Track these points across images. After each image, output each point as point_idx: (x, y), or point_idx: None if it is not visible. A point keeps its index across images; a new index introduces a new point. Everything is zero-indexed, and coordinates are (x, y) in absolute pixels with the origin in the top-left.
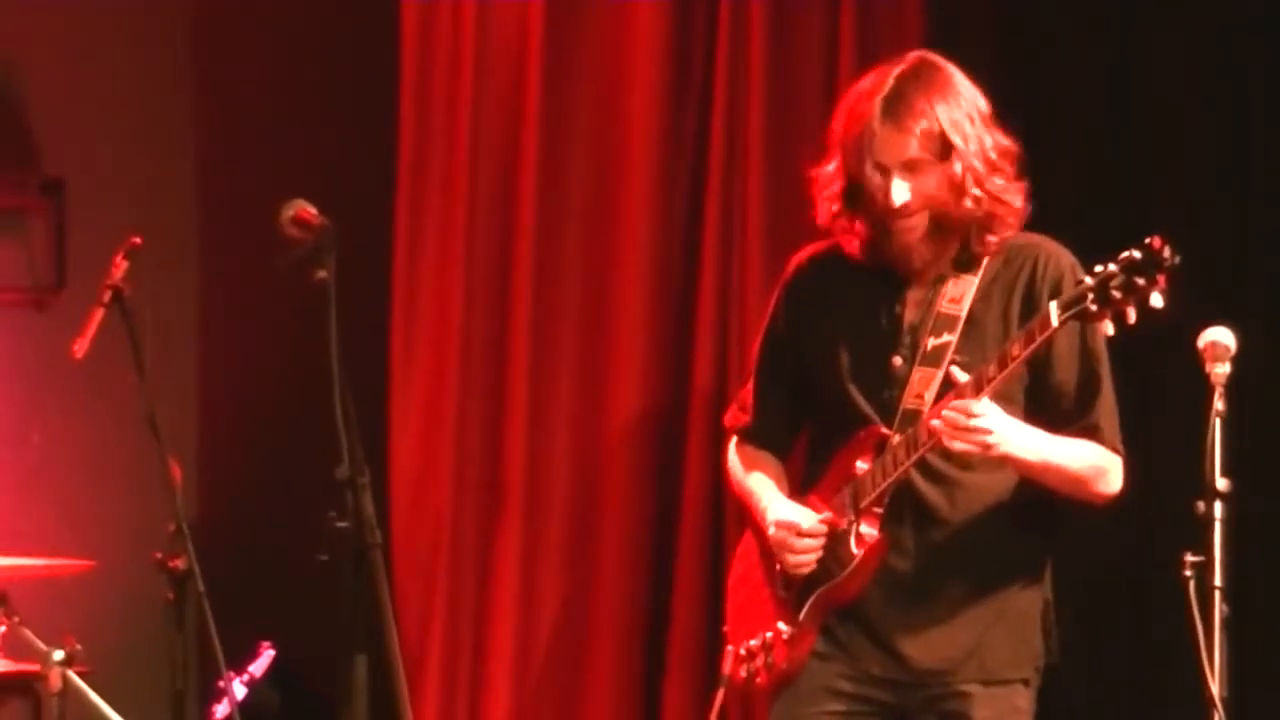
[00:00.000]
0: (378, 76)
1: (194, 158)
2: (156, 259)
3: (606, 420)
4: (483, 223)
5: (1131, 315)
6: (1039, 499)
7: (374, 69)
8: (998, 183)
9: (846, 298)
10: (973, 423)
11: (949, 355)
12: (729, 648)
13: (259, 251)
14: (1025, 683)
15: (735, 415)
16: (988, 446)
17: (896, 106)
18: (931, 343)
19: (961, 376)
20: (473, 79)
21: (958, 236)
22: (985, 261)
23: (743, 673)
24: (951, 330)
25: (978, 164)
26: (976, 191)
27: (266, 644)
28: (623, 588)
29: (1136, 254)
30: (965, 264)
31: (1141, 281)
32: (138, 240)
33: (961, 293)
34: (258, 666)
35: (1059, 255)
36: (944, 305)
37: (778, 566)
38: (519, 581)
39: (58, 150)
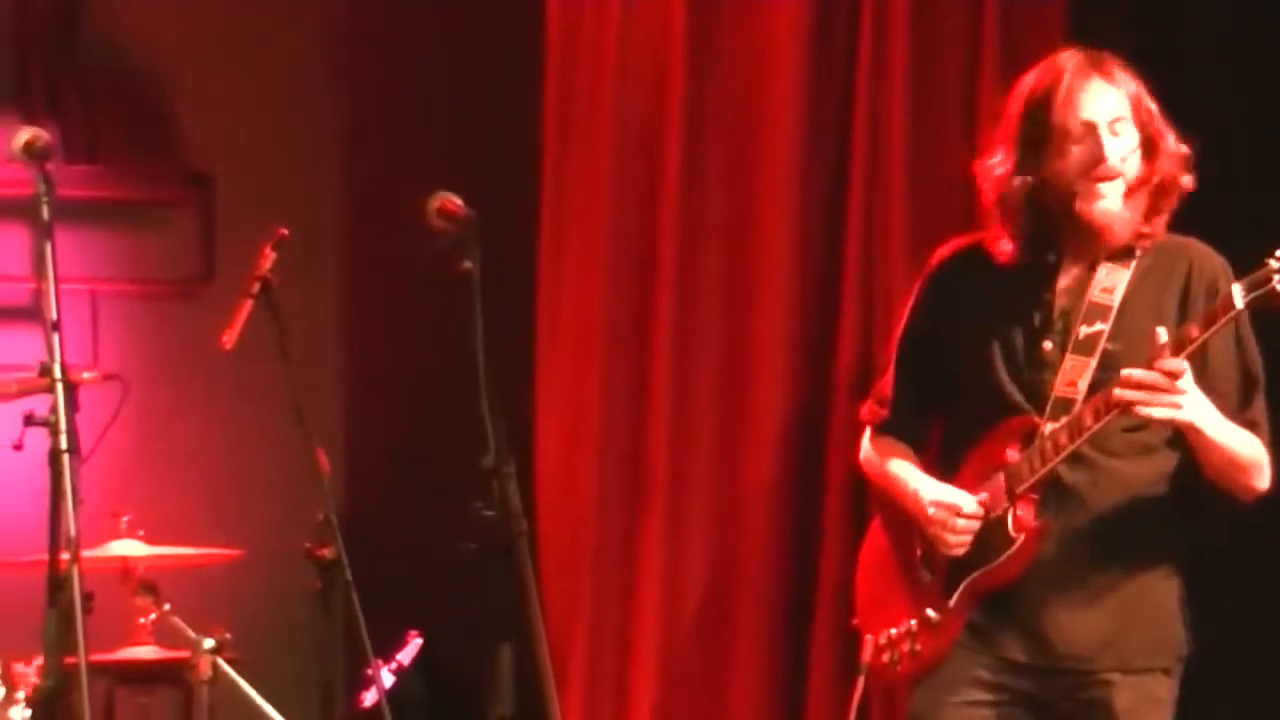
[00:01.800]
0: (522, 70)
1: (338, 150)
2: (302, 251)
3: (749, 410)
4: (625, 214)
5: None
6: (1179, 490)
7: (518, 63)
8: (1179, 153)
9: (995, 288)
10: (1177, 383)
11: (1102, 343)
12: (867, 637)
13: (404, 242)
14: (1166, 671)
15: (873, 410)
16: (1175, 410)
17: (1102, 65)
18: (1084, 330)
19: (1163, 335)
20: (615, 71)
21: (1143, 206)
22: (1138, 254)
23: (885, 660)
24: (1104, 319)
25: (1166, 134)
26: (1164, 163)
27: (414, 632)
28: (765, 577)
29: None
30: (1118, 255)
31: None
32: (285, 232)
33: (1114, 283)
34: (405, 655)
35: (1212, 256)
36: (1096, 294)
37: (918, 552)
38: (662, 570)
39: (205, 145)
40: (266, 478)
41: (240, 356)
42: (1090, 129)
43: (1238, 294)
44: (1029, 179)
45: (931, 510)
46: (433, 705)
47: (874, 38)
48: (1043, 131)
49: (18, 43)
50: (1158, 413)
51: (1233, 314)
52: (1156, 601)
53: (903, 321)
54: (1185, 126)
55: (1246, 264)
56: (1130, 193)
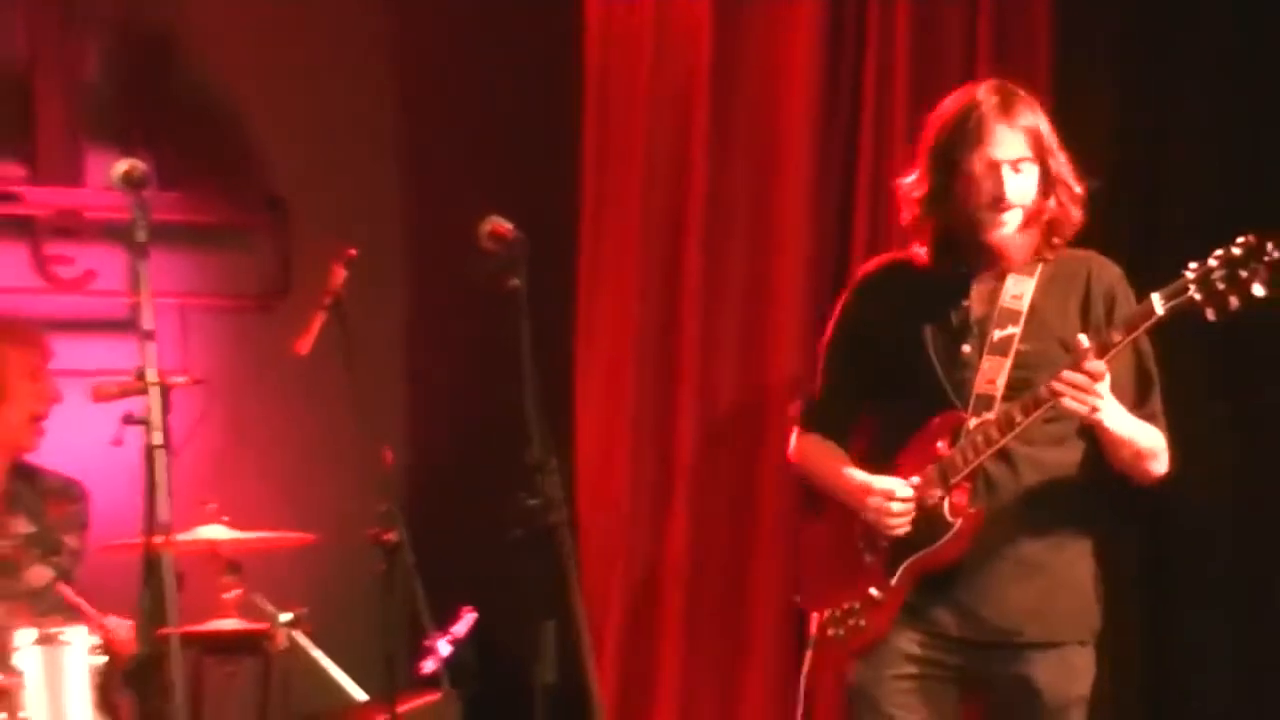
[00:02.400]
0: (564, 101)
1: (400, 177)
2: (369, 268)
3: (767, 405)
4: (655, 231)
5: (1234, 303)
6: (1092, 475)
7: (561, 94)
8: (1074, 190)
9: (917, 296)
10: (1096, 385)
11: (1015, 345)
12: (813, 614)
13: (459, 260)
14: (1082, 643)
15: (802, 410)
16: (1094, 409)
17: (1010, 109)
18: (998, 334)
19: (1085, 341)
20: (647, 101)
21: (1038, 234)
22: (1040, 265)
23: (830, 634)
24: (1015, 323)
25: (1063, 171)
26: (1062, 195)
27: (468, 609)
28: (781, 559)
29: (1236, 250)
30: (1024, 265)
31: (1244, 273)
32: (353, 251)
33: (1022, 290)
34: (460, 628)
35: (1108, 265)
36: (1007, 300)
37: (860, 542)
38: (688, 553)
39: (282, 173)
40: (337, 470)
41: (313, 363)
42: (994, 168)
43: (1158, 302)
44: (939, 205)
45: (870, 499)
46: (484, 674)
47: (880, 43)
48: (952, 166)
49: (118, 83)
50: (1082, 410)
51: (1153, 320)
52: (1076, 578)
53: (830, 329)
54: (1174, 119)
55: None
56: (1027, 221)
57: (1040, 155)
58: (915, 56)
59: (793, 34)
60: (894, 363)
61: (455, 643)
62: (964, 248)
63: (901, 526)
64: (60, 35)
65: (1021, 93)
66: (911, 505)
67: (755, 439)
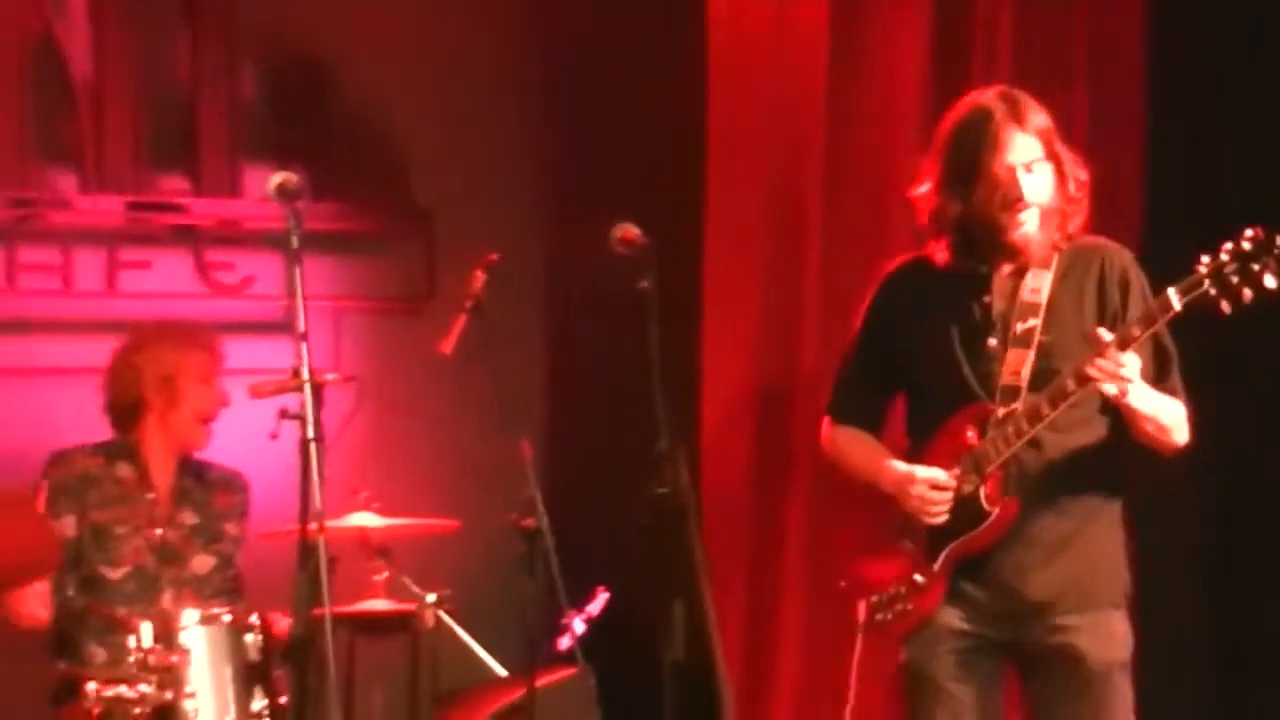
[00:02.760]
0: (686, 112)
1: (537, 188)
2: (508, 272)
3: None
4: (776, 238)
5: (1248, 295)
6: (1113, 455)
7: (683, 106)
8: (1081, 178)
9: (940, 294)
10: (1122, 371)
11: (1036, 336)
12: (860, 602)
13: (592, 264)
14: (1116, 606)
15: (834, 403)
16: (1125, 392)
17: (1020, 113)
18: (1020, 327)
19: (1106, 335)
20: (767, 105)
21: (1053, 227)
22: (1056, 257)
23: (878, 619)
24: (1036, 315)
25: (1070, 165)
26: (1071, 188)
27: (601, 589)
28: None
29: (1245, 244)
30: (1040, 260)
31: (1256, 266)
32: (494, 257)
33: (1040, 284)
34: (594, 607)
35: (1121, 252)
36: (1026, 294)
37: (900, 532)
38: (806, 535)
39: (427, 184)
40: (479, 461)
41: (457, 361)
42: (1010, 171)
43: (1174, 297)
44: (958, 208)
45: (914, 488)
46: (617, 650)
47: (985, 46)
48: (969, 172)
49: (274, 103)
50: (1114, 392)
51: (1170, 315)
52: (1106, 549)
53: (858, 325)
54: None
55: None
56: (1045, 216)
57: (1052, 154)
58: (1017, 70)
59: (904, 50)
60: (920, 358)
61: (589, 621)
62: (983, 246)
63: (942, 515)
64: (222, 61)
65: (1026, 97)
66: (950, 494)
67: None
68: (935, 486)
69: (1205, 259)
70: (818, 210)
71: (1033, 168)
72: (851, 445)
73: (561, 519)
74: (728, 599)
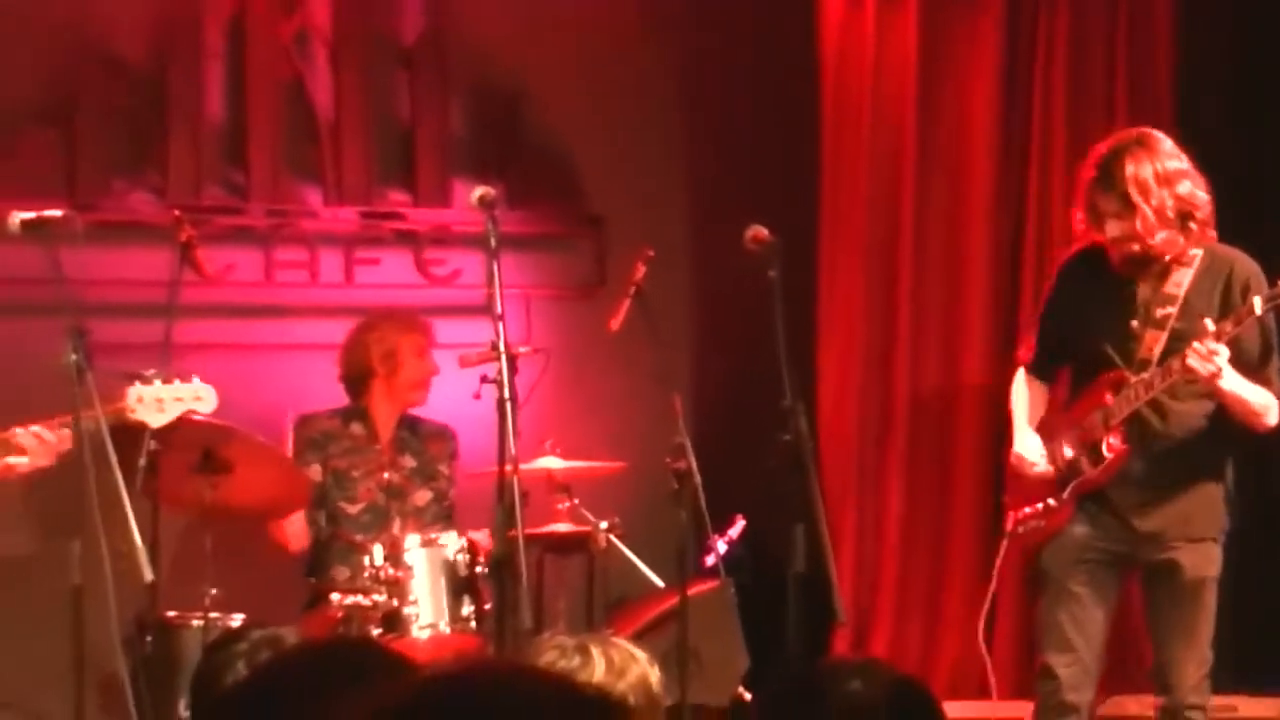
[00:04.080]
0: (806, 127)
1: (685, 194)
2: (662, 263)
3: (961, 374)
4: (877, 236)
5: None
6: (1221, 424)
7: (804, 122)
8: (1167, 233)
9: (1100, 281)
10: (1215, 359)
11: (1171, 322)
12: (1010, 513)
13: (730, 257)
14: (1214, 540)
15: (1023, 354)
16: (1215, 376)
17: (1104, 177)
18: (1159, 312)
19: (1210, 326)
20: (870, 122)
21: (1175, 230)
22: (1197, 259)
23: (1020, 530)
24: (1173, 304)
25: (1150, 215)
26: (1151, 238)
27: (739, 517)
28: (973, 486)
29: None
30: (1182, 260)
31: None
32: (651, 252)
33: (1181, 279)
34: (733, 532)
35: (1249, 263)
36: (1168, 287)
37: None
38: (904, 477)
39: (598, 194)
40: (640, 414)
41: (623, 336)
42: (1099, 218)
43: (1258, 304)
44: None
45: (1012, 458)
46: (752, 566)
47: (1045, 63)
48: (1092, 208)
49: (478, 130)
50: (1204, 374)
51: (1253, 316)
52: (1210, 492)
53: (1044, 296)
54: None
55: None
56: (1148, 232)
57: (1124, 210)
58: (1069, 99)
59: (976, 81)
60: (1081, 332)
61: (730, 543)
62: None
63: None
64: (435, 98)
65: (1134, 147)
66: (1036, 464)
67: (953, 391)
68: (1022, 460)
69: None
70: (910, 203)
71: (1114, 216)
72: (1017, 401)
73: (706, 460)
74: (840, 524)
